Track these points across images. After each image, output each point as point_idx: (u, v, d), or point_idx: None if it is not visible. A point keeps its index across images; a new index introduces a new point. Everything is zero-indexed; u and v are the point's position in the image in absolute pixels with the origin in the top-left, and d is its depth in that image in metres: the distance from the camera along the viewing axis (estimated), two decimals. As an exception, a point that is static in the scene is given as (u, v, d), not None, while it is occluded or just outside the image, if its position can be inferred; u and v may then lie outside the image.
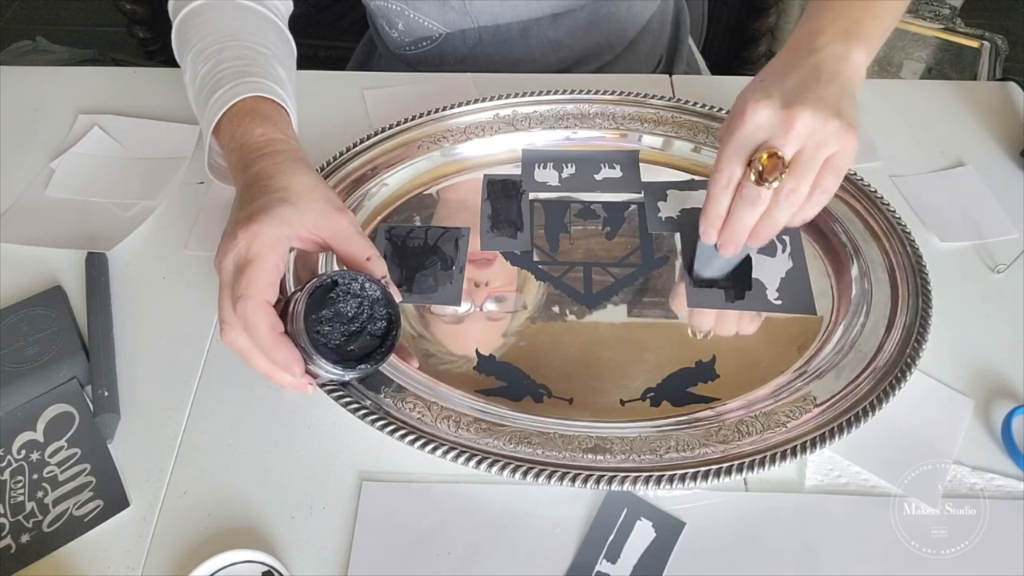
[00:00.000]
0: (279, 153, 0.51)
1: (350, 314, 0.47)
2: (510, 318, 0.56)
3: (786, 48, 0.52)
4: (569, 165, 0.67)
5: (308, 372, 0.46)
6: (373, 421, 0.48)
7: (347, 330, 0.47)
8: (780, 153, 0.47)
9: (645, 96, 0.69)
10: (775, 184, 0.47)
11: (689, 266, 0.58)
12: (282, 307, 0.47)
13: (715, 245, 0.53)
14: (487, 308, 0.57)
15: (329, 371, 0.46)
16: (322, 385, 0.49)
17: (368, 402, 0.49)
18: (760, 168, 0.47)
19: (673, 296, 0.57)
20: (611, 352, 0.54)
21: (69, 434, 0.51)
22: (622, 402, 0.51)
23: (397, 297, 0.49)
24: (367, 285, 0.47)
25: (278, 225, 0.46)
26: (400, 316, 0.48)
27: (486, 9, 0.76)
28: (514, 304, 0.57)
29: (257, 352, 0.45)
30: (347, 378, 0.48)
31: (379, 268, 0.49)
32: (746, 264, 0.58)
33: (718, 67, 1.10)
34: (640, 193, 0.65)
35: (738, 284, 0.57)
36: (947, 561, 0.45)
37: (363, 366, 0.46)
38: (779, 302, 0.56)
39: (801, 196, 0.48)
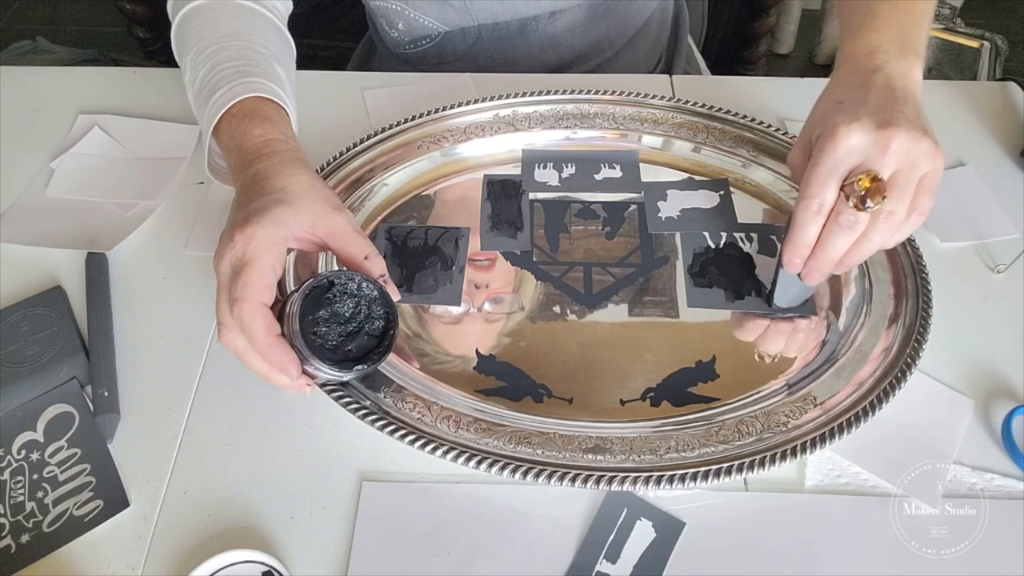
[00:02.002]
0: (277, 154, 0.51)
1: (347, 314, 0.47)
2: (506, 318, 0.56)
3: (845, 65, 0.51)
4: (569, 165, 0.67)
5: (306, 373, 0.46)
6: (373, 421, 0.48)
7: (344, 330, 0.47)
8: (880, 176, 0.46)
9: (645, 96, 0.69)
10: (874, 207, 0.46)
11: (767, 297, 0.56)
12: (279, 308, 0.47)
13: (798, 273, 0.51)
14: (484, 309, 0.57)
15: (325, 372, 0.46)
16: (322, 385, 0.49)
17: (368, 402, 0.49)
18: (862, 193, 0.46)
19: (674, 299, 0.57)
20: (611, 352, 0.54)
21: (69, 434, 0.50)
22: (622, 402, 0.51)
23: (395, 296, 0.49)
24: (364, 285, 0.47)
25: (274, 227, 0.46)
26: (398, 315, 0.48)
27: (486, 7, 0.76)
28: (511, 305, 0.57)
29: (254, 354, 0.45)
30: (344, 379, 0.48)
31: (377, 266, 0.49)
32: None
33: (718, 67, 1.10)
34: (640, 193, 0.65)
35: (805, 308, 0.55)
36: (947, 561, 0.45)
37: (360, 367, 0.46)
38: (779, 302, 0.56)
39: (899, 218, 0.47)
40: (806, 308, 0.56)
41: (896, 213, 0.46)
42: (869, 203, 0.45)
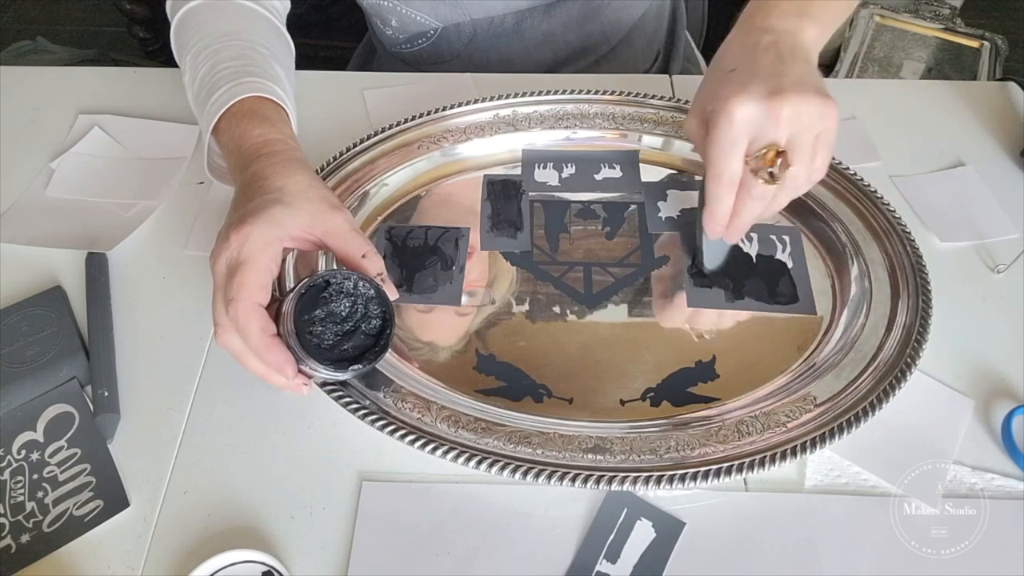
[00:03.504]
0: (276, 154, 0.51)
1: (343, 313, 0.47)
2: (477, 312, 0.56)
3: (737, 30, 0.52)
4: (569, 165, 0.67)
5: (302, 372, 0.46)
6: (373, 421, 0.48)
7: (341, 330, 0.47)
8: (779, 146, 0.47)
9: (645, 96, 0.69)
10: (783, 177, 0.48)
11: (698, 263, 0.58)
12: (276, 308, 0.47)
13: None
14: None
15: (322, 372, 0.46)
16: (322, 385, 0.49)
17: (368, 402, 0.49)
18: (770, 169, 0.48)
19: (666, 304, 0.57)
20: (611, 352, 0.54)
21: (69, 434, 0.51)
22: (622, 402, 0.51)
23: (392, 295, 0.49)
24: (360, 284, 0.47)
25: (269, 227, 0.46)
26: (395, 314, 0.48)
27: (478, 1, 0.76)
28: (482, 299, 0.57)
29: (250, 354, 0.45)
30: (341, 378, 0.48)
31: (374, 265, 0.49)
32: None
33: (718, 67, 1.10)
34: (640, 193, 0.65)
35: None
36: (947, 561, 0.45)
37: (356, 366, 0.46)
38: (779, 301, 0.56)
39: (803, 179, 0.49)
40: (806, 308, 0.56)
41: (800, 176, 0.48)
42: (776, 175, 0.48)
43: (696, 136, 0.52)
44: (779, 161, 0.47)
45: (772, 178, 0.48)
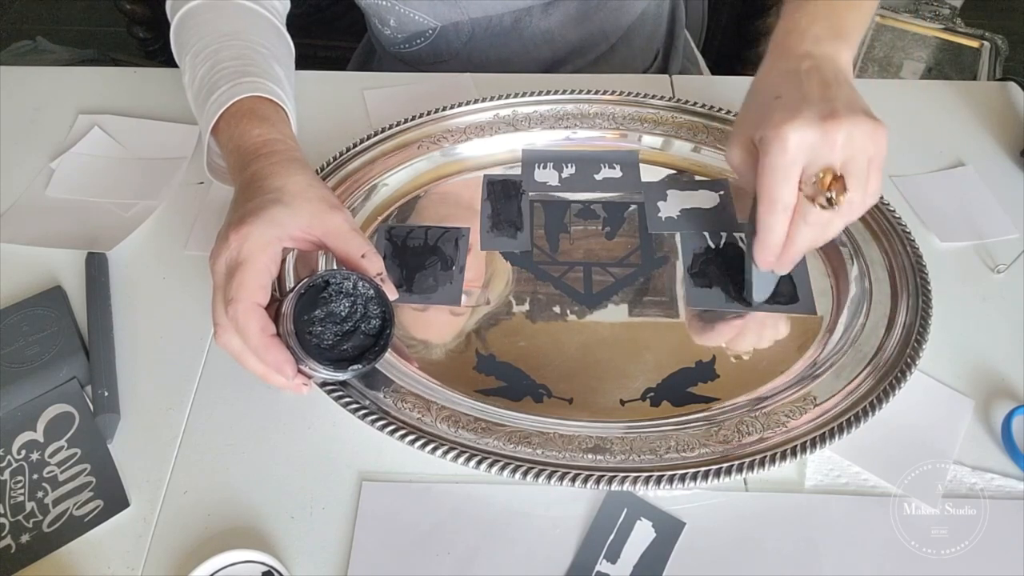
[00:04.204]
0: (275, 154, 0.51)
1: (343, 313, 0.47)
2: (471, 312, 0.56)
3: (771, 57, 0.51)
4: (569, 165, 0.67)
5: (302, 372, 0.46)
6: (373, 421, 0.48)
7: (340, 330, 0.47)
8: (837, 171, 0.46)
9: (645, 96, 0.69)
10: (839, 202, 0.46)
11: (747, 295, 0.56)
12: (275, 308, 0.47)
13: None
14: None
15: (321, 372, 0.46)
16: (322, 385, 0.49)
17: (368, 402, 0.49)
18: (828, 195, 0.46)
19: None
20: (611, 352, 0.54)
21: (69, 434, 0.50)
22: (622, 402, 0.51)
23: (392, 294, 0.49)
24: (360, 284, 0.47)
25: (269, 227, 0.46)
26: (395, 314, 0.48)
27: (476, 0, 0.76)
28: (477, 299, 0.57)
29: (249, 354, 0.45)
30: (341, 378, 0.48)
31: (374, 265, 0.49)
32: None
33: (718, 67, 1.10)
34: (640, 193, 0.65)
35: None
36: (947, 561, 0.45)
37: (356, 366, 0.46)
38: (779, 301, 0.56)
39: (858, 204, 0.48)
40: (806, 308, 0.56)
41: (855, 201, 0.48)
42: (833, 200, 0.47)
43: (741, 166, 0.51)
44: (836, 186, 0.46)
45: (830, 203, 0.46)
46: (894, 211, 0.60)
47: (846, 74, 0.49)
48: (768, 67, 0.51)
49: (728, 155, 0.52)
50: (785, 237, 0.49)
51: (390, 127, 0.67)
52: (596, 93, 0.70)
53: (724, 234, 0.61)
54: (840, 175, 0.46)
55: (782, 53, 0.51)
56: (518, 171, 0.67)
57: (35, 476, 0.49)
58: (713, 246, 0.60)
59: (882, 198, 0.60)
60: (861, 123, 0.46)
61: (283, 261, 0.55)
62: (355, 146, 0.66)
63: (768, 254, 0.51)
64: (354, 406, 0.48)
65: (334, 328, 0.47)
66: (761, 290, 0.56)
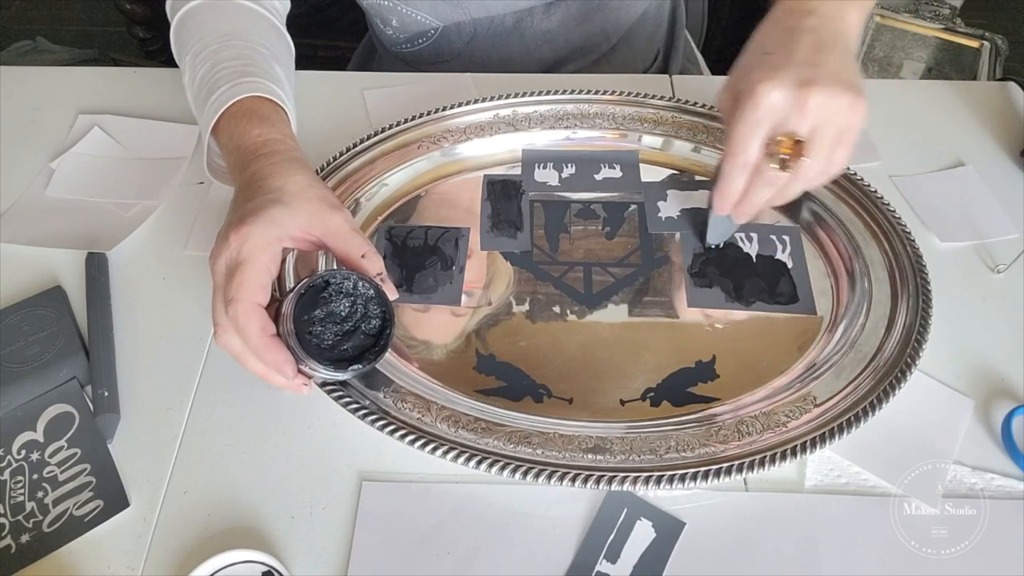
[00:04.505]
0: (275, 154, 0.51)
1: (343, 313, 0.47)
2: (472, 313, 0.56)
3: (777, 8, 0.51)
4: (569, 165, 0.67)
5: (302, 372, 0.46)
6: (373, 421, 0.48)
7: (340, 330, 0.47)
8: (799, 137, 0.47)
9: (645, 96, 0.69)
10: (795, 167, 0.48)
11: (700, 236, 0.60)
12: (275, 308, 0.47)
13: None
14: None
15: (321, 372, 0.46)
16: (322, 385, 0.49)
17: (368, 402, 0.49)
18: (783, 156, 0.48)
19: (674, 295, 0.57)
20: (611, 352, 0.54)
21: (69, 434, 0.50)
22: (622, 402, 0.51)
23: (392, 294, 0.49)
24: (360, 284, 0.47)
25: (269, 227, 0.46)
26: (395, 314, 0.48)
27: (478, 0, 0.76)
28: (479, 300, 0.57)
29: (249, 354, 0.45)
30: (341, 378, 0.48)
31: (374, 265, 0.49)
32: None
33: (718, 67, 1.10)
34: (640, 193, 0.65)
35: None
36: (947, 561, 0.45)
37: (356, 366, 0.46)
38: (779, 301, 0.56)
39: (817, 171, 0.49)
40: (806, 308, 0.56)
41: (815, 168, 0.49)
42: (790, 165, 0.48)
43: (726, 111, 0.52)
44: (793, 151, 0.48)
45: (783, 165, 0.48)
46: (894, 211, 0.60)
47: (846, 37, 0.49)
48: (770, 19, 0.52)
49: (717, 98, 0.53)
50: (743, 189, 0.51)
51: (390, 127, 0.67)
52: (596, 93, 0.70)
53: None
54: (802, 140, 0.47)
55: (787, 6, 0.51)
56: (518, 171, 0.67)
57: (35, 476, 0.49)
58: (713, 246, 0.60)
59: (882, 198, 0.60)
60: (839, 94, 0.46)
61: (283, 261, 0.55)
62: (355, 146, 0.66)
63: (724, 201, 0.53)
64: (354, 406, 0.48)
65: (334, 328, 0.47)
66: (716, 234, 0.59)
